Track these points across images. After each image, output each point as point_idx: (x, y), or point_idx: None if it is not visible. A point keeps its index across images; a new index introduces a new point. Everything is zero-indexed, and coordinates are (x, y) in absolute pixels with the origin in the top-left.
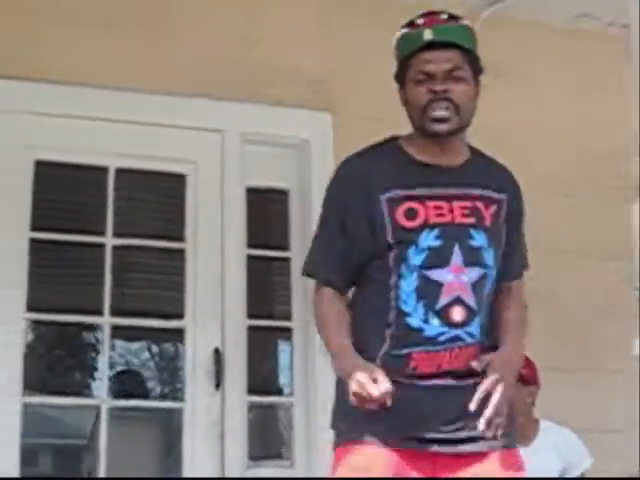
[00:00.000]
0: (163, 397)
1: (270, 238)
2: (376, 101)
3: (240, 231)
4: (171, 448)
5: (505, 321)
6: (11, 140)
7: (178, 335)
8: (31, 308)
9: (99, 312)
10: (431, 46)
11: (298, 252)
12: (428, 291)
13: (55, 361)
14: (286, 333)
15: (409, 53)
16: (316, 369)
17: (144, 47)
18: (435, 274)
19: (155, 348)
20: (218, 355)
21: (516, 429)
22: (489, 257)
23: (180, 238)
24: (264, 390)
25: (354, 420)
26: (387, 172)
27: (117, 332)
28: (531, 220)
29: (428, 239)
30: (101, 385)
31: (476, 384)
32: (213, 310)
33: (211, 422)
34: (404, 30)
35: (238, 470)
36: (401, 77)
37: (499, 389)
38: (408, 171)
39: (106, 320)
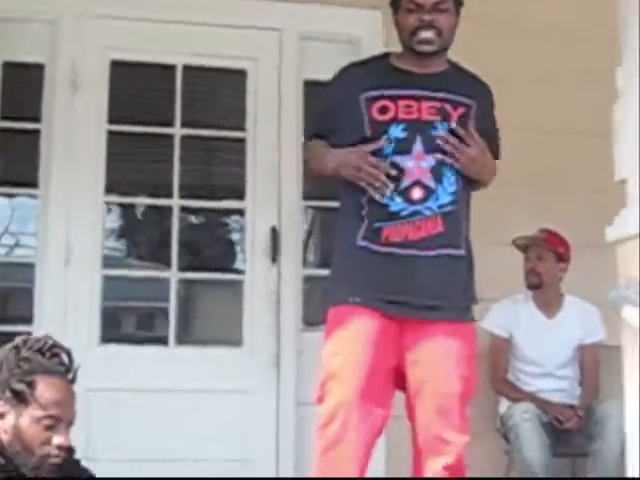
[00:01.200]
0: (226, 270)
1: None
2: None
3: (296, 121)
4: (233, 314)
5: None
6: (90, 42)
7: (239, 215)
8: (109, 191)
9: (169, 195)
10: None
11: None
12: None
13: (131, 238)
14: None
15: None
16: None
17: None
18: (400, 160)
19: (219, 227)
20: (275, 233)
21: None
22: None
23: (241, 128)
24: (319, 264)
25: (341, 282)
26: (369, 76)
27: (185, 212)
28: None
29: (396, 131)
30: (171, 259)
31: (443, 255)
32: (270, 193)
33: (268, 291)
34: None
35: (292, 332)
36: (396, 4)
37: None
38: (387, 75)
39: (175, 202)
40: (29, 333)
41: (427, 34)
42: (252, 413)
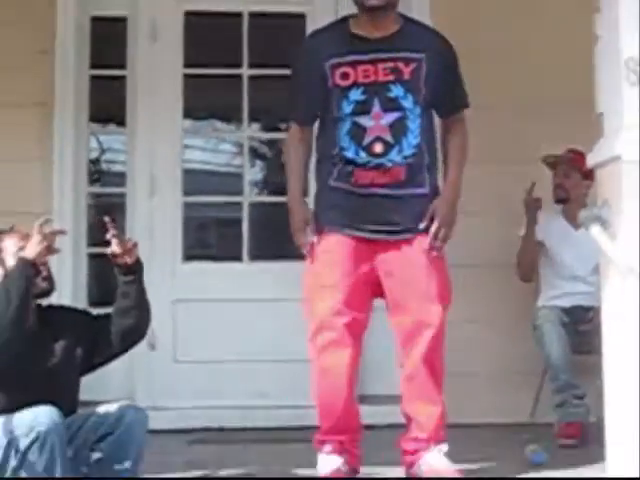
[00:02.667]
0: None
1: None
2: None
3: None
4: None
5: (448, 151)
6: None
7: None
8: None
9: (239, 121)
10: None
11: None
12: (356, 133)
13: (207, 168)
14: None
15: None
16: None
17: None
18: (361, 120)
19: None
20: None
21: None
22: (407, 102)
23: None
24: None
25: (322, 211)
26: (331, 45)
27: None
28: None
29: (356, 94)
30: (243, 186)
31: (406, 195)
32: None
33: None
34: None
35: None
36: None
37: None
38: (346, 43)
39: (245, 134)
40: None
41: None
42: None
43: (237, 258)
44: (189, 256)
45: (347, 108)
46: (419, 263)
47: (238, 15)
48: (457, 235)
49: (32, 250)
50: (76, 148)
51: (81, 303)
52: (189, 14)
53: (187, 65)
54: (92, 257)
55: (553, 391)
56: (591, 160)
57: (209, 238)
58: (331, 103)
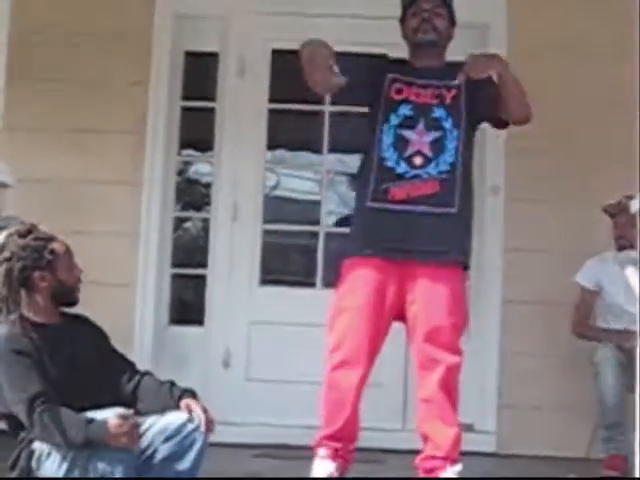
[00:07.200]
0: None
1: None
2: None
3: None
4: None
5: None
6: (254, 35)
7: None
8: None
9: (320, 154)
10: None
11: None
12: (400, 144)
13: (286, 198)
14: None
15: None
16: None
17: None
18: (405, 133)
19: None
20: None
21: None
22: (447, 123)
23: None
24: None
25: (356, 239)
26: (394, 65)
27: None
28: None
29: (405, 109)
30: (320, 217)
31: (438, 213)
32: None
33: None
34: None
35: None
36: (403, 17)
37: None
38: (404, 67)
39: (324, 168)
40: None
41: (426, 28)
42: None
43: (311, 284)
44: (265, 280)
45: (395, 120)
46: (444, 294)
47: None
48: (519, 272)
49: (130, 442)
50: (165, 173)
51: (162, 321)
52: (276, 52)
53: (272, 100)
54: (175, 277)
55: (602, 426)
56: (634, 206)
57: (285, 264)
58: (379, 114)
